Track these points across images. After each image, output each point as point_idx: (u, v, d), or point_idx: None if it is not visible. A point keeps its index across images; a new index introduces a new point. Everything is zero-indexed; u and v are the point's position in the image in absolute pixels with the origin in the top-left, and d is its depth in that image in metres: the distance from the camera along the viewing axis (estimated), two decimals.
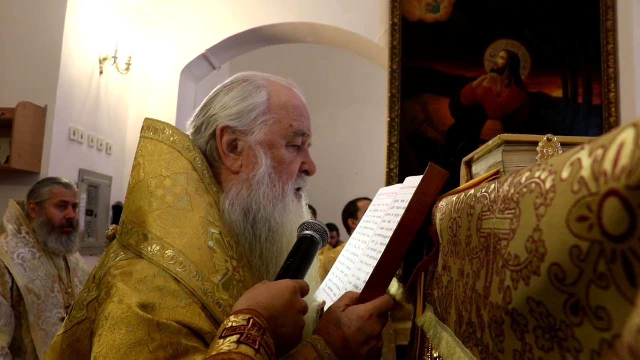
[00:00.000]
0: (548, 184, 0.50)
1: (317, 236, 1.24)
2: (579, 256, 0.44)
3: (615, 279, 0.40)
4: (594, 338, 0.44)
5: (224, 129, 1.30)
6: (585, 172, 0.43)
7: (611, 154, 0.40)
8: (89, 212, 5.15)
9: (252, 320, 0.95)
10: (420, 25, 5.25)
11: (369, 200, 4.74)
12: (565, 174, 0.47)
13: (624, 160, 0.38)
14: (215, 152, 1.31)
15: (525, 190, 0.57)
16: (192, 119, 1.38)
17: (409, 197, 1.28)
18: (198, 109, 1.38)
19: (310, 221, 1.28)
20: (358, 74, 9.35)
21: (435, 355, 1.20)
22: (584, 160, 0.44)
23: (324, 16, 5.51)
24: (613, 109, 4.93)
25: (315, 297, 1.53)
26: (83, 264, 3.53)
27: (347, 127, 9.86)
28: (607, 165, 0.40)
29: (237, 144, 1.30)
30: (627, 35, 4.98)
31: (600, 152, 0.42)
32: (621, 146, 0.39)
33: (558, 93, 5.07)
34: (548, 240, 0.49)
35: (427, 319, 1.16)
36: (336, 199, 7.53)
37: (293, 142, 1.33)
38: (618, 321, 0.41)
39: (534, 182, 0.55)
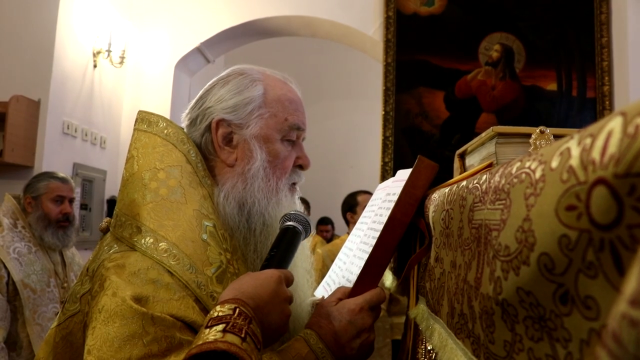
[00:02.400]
0: (538, 174, 0.50)
1: (299, 227, 1.23)
2: (568, 245, 0.44)
3: (603, 267, 0.40)
4: (583, 327, 0.44)
5: (220, 122, 1.29)
6: (574, 161, 0.43)
7: (599, 142, 0.40)
8: (84, 206, 5.14)
9: (237, 310, 0.95)
10: (415, 19, 5.24)
11: (369, 193, 4.74)
12: (554, 164, 0.47)
13: (612, 148, 0.38)
14: (210, 145, 1.31)
15: (515, 180, 0.57)
16: (187, 111, 1.38)
17: (399, 190, 1.28)
18: (193, 102, 1.38)
19: (292, 212, 1.27)
20: (352, 67, 9.34)
21: (429, 348, 1.20)
22: (572, 149, 0.44)
23: (318, 9, 5.50)
24: (607, 102, 4.94)
25: (315, 294, 1.53)
26: (79, 258, 3.53)
27: (342, 120, 9.85)
28: (596, 154, 0.40)
29: (232, 137, 1.30)
30: (621, 29, 4.99)
31: (588, 140, 0.42)
32: (609, 134, 0.39)
33: (552, 86, 5.07)
34: (537, 230, 0.49)
35: (420, 311, 1.17)
36: (331, 193, 7.56)
37: (288, 136, 1.33)
38: (606, 310, 0.41)
39: (524, 172, 0.55)
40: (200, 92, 1.37)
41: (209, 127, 1.30)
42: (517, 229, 0.53)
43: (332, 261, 4.12)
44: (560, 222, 0.44)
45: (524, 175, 0.55)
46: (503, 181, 0.62)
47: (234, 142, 1.30)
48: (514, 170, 0.59)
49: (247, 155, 1.29)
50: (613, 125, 0.39)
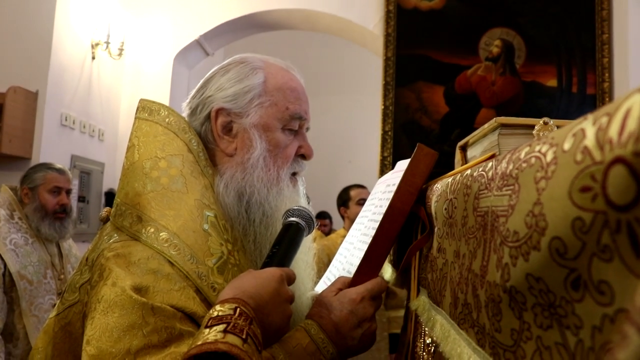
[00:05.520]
0: (549, 157, 0.49)
1: (302, 223, 1.20)
2: (582, 228, 0.42)
3: (619, 250, 0.39)
4: (596, 313, 0.43)
5: (219, 111, 1.28)
6: (589, 142, 0.42)
7: (617, 120, 0.38)
8: (81, 199, 5.12)
9: (238, 310, 0.92)
10: (415, 13, 5.23)
11: (362, 187, 4.73)
12: (567, 145, 0.46)
13: (631, 126, 0.36)
14: (210, 134, 1.29)
15: (524, 165, 0.56)
16: (187, 100, 1.37)
17: (399, 180, 1.27)
18: (194, 90, 1.36)
19: (295, 207, 1.24)
20: (352, 61, 9.32)
21: (427, 342, 1.19)
22: (587, 130, 0.43)
23: (318, 3, 5.48)
24: (607, 99, 4.94)
25: (316, 289, 1.51)
26: (76, 250, 3.52)
27: (341, 114, 9.84)
28: (613, 133, 0.38)
29: (232, 126, 1.28)
30: (621, 25, 4.98)
31: (605, 119, 0.40)
32: (627, 112, 0.37)
33: (552, 82, 5.07)
34: (549, 214, 0.47)
35: (421, 302, 1.15)
36: (329, 187, 7.53)
37: (289, 126, 1.31)
38: (621, 295, 0.40)
39: (533, 156, 0.54)
40: (201, 81, 1.35)
41: (208, 116, 1.29)
42: (527, 214, 0.52)
43: (327, 255, 4.10)
44: (574, 205, 0.43)
45: (533, 159, 0.53)
46: (511, 167, 0.60)
47: (233, 131, 1.28)
48: (522, 155, 0.58)
49: (247, 144, 1.27)
50: (631, 103, 0.37)
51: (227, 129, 1.29)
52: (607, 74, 4.96)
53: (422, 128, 5.09)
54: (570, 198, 0.43)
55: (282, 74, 1.34)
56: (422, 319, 1.12)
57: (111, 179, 5.57)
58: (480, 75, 5.13)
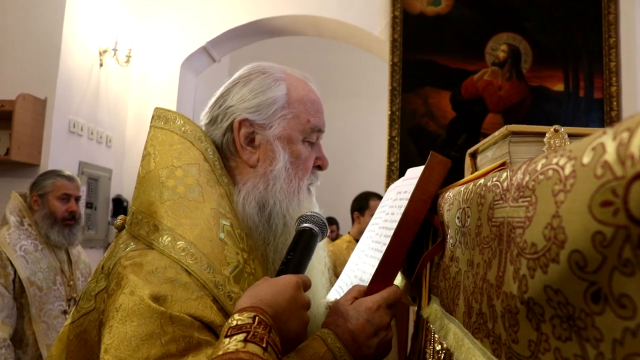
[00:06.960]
0: (567, 170, 0.49)
1: (315, 229, 1.21)
2: (602, 242, 0.43)
3: None
4: (617, 327, 0.43)
5: (242, 122, 1.28)
6: (610, 156, 0.42)
7: (638, 136, 0.39)
8: (89, 205, 5.14)
9: (257, 318, 0.92)
10: (422, 18, 5.23)
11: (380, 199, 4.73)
12: (586, 159, 0.46)
13: None
14: (232, 144, 1.30)
15: (541, 177, 0.56)
16: (206, 109, 1.36)
17: (411, 187, 1.27)
18: (213, 100, 1.36)
19: (308, 213, 1.24)
20: (359, 67, 9.33)
21: (437, 348, 1.19)
22: (607, 145, 0.43)
23: (325, 9, 5.49)
24: (614, 103, 4.91)
25: (328, 298, 1.51)
26: (85, 257, 3.53)
27: (348, 120, 9.83)
28: (634, 149, 0.39)
29: (254, 137, 1.29)
30: (628, 29, 4.97)
31: (625, 135, 0.41)
32: None
33: (559, 87, 5.05)
34: (568, 227, 0.48)
35: (433, 310, 1.15)
36: (336, 192, 7.53)
37: (309, 138, 1.32)
38: None
39: (551, 168, 0.54)
40: (220, 91, 1.35)
41: (230, 126, 1.29)
42: (545, 226, 0.52)
43: (333, 261, 4.11)
44: (594, 219, 0.43)
45: (551, 171, 0.53)
46: (527, 178, 0.61)
47: (256, 142, 1.29)
48: (539, 167, 0.58)
49: (270, 156, 1.27)
50: None
51: (250, 139, 1.29)
52: (614, 78, 4.94)
53: (428, 133, 5.09)
54: (591, 212, 0.44)
55: (302, 86, 1.35)
56: (434, 327, 1.12)
57: (118, 185, 5.59)
58: (486, 80, 5.13)
